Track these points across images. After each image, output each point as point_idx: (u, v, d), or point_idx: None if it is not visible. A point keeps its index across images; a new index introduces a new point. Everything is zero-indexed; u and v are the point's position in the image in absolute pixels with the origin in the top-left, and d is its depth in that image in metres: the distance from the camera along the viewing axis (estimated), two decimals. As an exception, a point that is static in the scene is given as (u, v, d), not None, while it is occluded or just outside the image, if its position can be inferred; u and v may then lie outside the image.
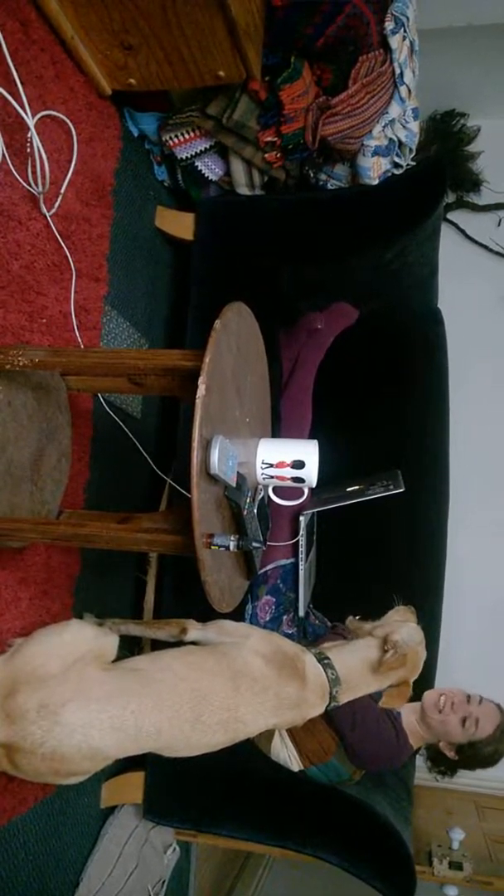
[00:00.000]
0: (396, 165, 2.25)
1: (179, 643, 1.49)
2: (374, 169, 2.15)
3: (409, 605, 1.63)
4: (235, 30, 1.66)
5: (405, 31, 2.00)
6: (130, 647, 1.90)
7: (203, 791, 1.98)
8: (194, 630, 1.49)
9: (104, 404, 1.96)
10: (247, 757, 1.88)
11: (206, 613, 1.38)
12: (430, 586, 2.36)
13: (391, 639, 1.46)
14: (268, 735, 1.91)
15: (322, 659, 1.45)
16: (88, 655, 1.28)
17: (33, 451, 1.49)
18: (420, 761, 2.32)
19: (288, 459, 1.46)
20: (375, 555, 2.34)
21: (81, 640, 1.31)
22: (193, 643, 1.48)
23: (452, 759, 1.95)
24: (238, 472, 1.25)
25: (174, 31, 1.69)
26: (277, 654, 1.41)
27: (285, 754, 1.91)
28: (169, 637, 1.53)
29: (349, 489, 2.11)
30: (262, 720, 1.37)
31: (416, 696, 2.00)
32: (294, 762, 1.90)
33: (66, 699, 1.19)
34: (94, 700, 1.21)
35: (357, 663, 1.48)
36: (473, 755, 1.92)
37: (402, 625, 1.52)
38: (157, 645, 1.58)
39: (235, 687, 1.32)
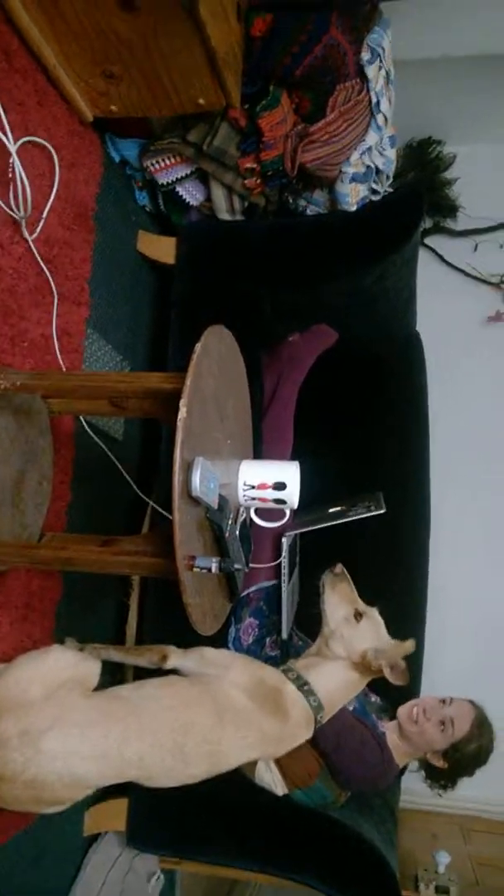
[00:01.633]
0: (374, 192, 2.29)
1: (160, 670, 1.48)
2: (353, 195, 2.19)
3: (336, 566, 1.60)
4: (215, 59, 1.69)
5: (381, 61, 2.05)
6: (113, 673, 1.88)
7: (187, 817, 1.96)
8: (175, 657, 1.48)
9: (86, 427, 1.96)
10: (231, 782, 1.86)
11: (190, 636, 1.37)
12: (413, 606, 2.36)
13: (369, 657, 1.46)
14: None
15: (302, 685, 1.45)
16: (70, 682, 1.27)
17: (14, 474, 1.48)
18: (405, 783, 2.31)
19: (269, 481, 1.47)
20: (358, 576, 2.34)
21: (63, 667, 1.30)
22: (174, 670, 1.47)
23: (442, 767, 1.94)
24: (220, 494, 1.26)
25: (155, 59, 1.72)
26: (259, 686, 1.40)
27: (269, 778, 1.89)
28: (149, 664, 1.52)
29: (331, 510, 2.12)
30: (244, 754, 1.37)
31: (392, 716, 2.01)
32: (278, 786, 1.88)
33: (48, 726, 1.18)
34: (76, 727, 1.20)
35: (336, 686, 1.49)
36: (460, 757, 1.91)
37: (356, 633, 1.51)
38: (140, 671, 1.57)
39: (219, 719, 1.32)
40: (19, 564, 1.59)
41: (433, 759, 1.93)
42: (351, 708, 1.94)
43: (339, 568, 1.60)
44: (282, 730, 1.41)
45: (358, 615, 1.52)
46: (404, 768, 2.05)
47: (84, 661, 1.35)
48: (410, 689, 2.17)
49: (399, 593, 2.33)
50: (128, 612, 2.19)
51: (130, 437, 2.33)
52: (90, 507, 2.03)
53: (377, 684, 1.98)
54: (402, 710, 1.97)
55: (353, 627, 1.51)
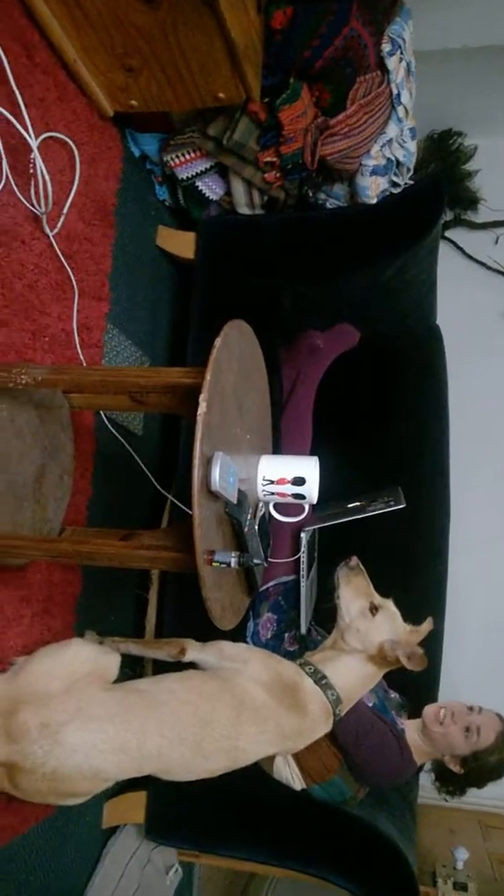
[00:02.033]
0: (394, 184, 2.27)
1: (178, 663, 1.49)
2: (373, 188, 2.17)
3: (351, 559, 1.59)
4: (235, 52, 1.69)
5: (402, 52, 2.03)
6: (132, 667, 1.89)
7: (205, 811, 1.97)
8: (193, 650, 1.49)
9: (106, 421, 1.97)
10: (249, 776, 1.87)
11: (208, 631, 1.38)
12: (432, 602, 2.35)
13: (386, 649, 1.46)
14: (270, 753, 1.91)
15: (319, 679, 1.45)
16: (90, 675, 1.28)
17: (36, 469, 1.49)
18: (424, 780, 2.30)
19: (288, 476, 1.47)
20: (377, 571, 2.34)
21: (83, 660, 1.31)
22: (192, 664, 1.48)
23: (458, 773, 1.93)
24: (239, 489, 1.26)
25: (175, 53, 1.72)
26: (277, 681, 1.41)
27: (287, 773, 1.89)
28: (167, 657, 1.52)
29: (350, 505, 2.11)
30: (262, 749, 1.38)
31: (417, 713, 2.00)
32: (296, 780, 1.88)
33: (68, 719, 1.19)
34: (96, 720, 1.21)
35: (353, 679, 1.50)
36: (479, 767, 1.90)
37: (372, 626, 1.51)
38: (160, 664, 1.58)
39: (237, 715, 1.32)
40: (40, 558, 1.60)
41: (451, 763, 1.92)
42: (370, 704, 1.94)
43: (354, 561, 1.60)
44: (300, 725, 1.41)
45: (374, 608, 1.52)
46: (422, 766, 2.04)
47: (104, 654, 1.36)
48: (429, 690, 2.17)
49: (417, 589, 2.31)
50: (147, 605, 2.20)
51: (150, 431, 2.34)
52: (110, 501, 2.04)
53: (396, 681, 1.99)
54: (429, 710, 1.96)
55: (368, 621, 1.51)
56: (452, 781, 1.99)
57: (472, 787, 1.97)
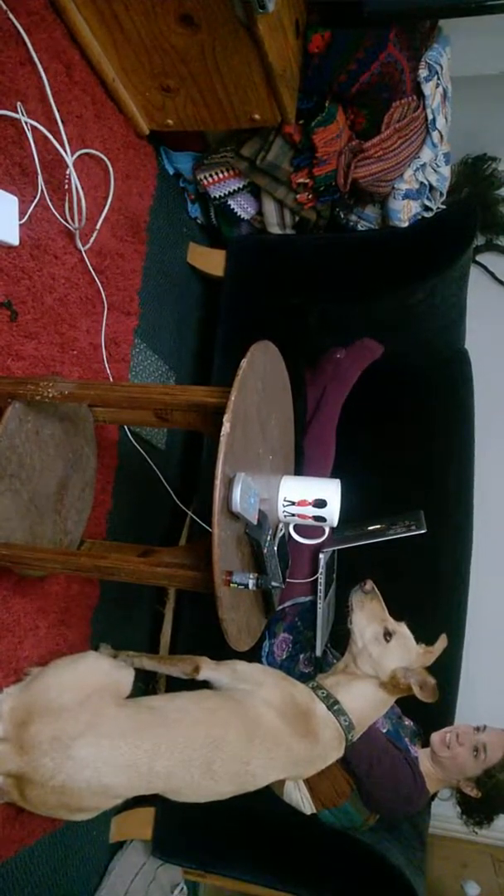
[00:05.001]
0: (427, 208, 2.27)
1: (192, 681, 1.49)
2: (405, 212, 2.17)
3: (367, 584, 1.58)
4: (272, 75, 1.70)
5: (438, 78, 2.04)
6: (146, 681, 1.89)
7: (213, 831, 1.95)
8: (207, 669, 1.49)
9: (129, 435, 1.98)
10: (259, 798, 1.85)
11: (223, 647, 1.37)
12: (452, 628, 2.32)
13: (399, 676, 1.45)
14: (280, 776, 1.89)
15: (332, 704, 1.44)
16: (104, 690, 1.28)
17: (58, 481, 1.50)
18: (437, 809, 2.27)
19: (310, 498, 1.46)
20: (396, 595, 2.31)
21: (97, 674, 1.31)
22: (206, 682, 1.47)
23: (476, 797, 1.89)
24: (259, 510, 1.25)
25: (212, 75, 1.74)
26: (290, 706, 1.40)
27: (297, 796, 1.87)
28: (181, 674, 1.52)
29: (370, 528, 2.10)
30: (273, 774, 1.37)
31: (425, 742, 1.97)
32: (307, 804, 1.86)
33: (79, 733, 1.19)
34: (107, 736, 1.21)
35: (365, 705, 1.49)
36: (495, 785, 1.87)
37: (386, 652, 1.49)
38: (172, 680, 1.57)
39: (249, 739, 1.32)
40: (59, 571, 1.61)
41: (466, 788, 1.89)
42: (384, 730, 1.91)
43: (370, 585, 1.58)
44: (312, 751, 1.40)
45: (388, 634, 1.51)
46: (434, 795, 2.01)
47: (118, 668, 1.37)
48: (445, 717, 2.14)
49: (437, 614, 2.29)
50: (163, 621, 2.20)
51: (172, 446, 2.35)
52: (130, 514, 2.05)
53: (410, 708, 1.96)
54: (436, 737, 1.94)
55: (382, 646, 1.51)
56: (477, 809, 1.95)
57: (497, 811, 1.93)
